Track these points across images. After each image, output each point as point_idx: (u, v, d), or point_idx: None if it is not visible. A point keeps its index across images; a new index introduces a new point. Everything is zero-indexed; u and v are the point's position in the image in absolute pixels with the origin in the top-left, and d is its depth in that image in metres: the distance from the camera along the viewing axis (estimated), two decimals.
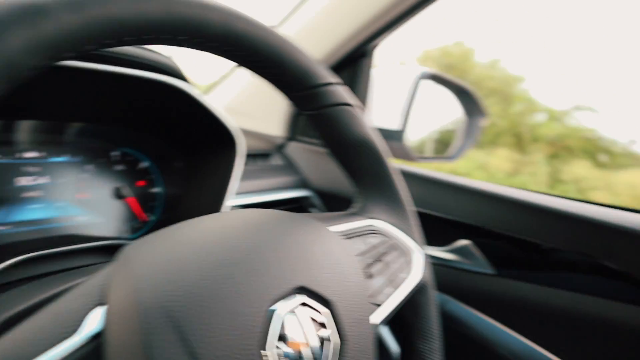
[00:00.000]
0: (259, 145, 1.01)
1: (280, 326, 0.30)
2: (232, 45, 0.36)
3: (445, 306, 0.89)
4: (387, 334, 0.93)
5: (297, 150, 1.05)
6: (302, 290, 0.33)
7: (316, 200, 1.01)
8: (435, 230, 0.94)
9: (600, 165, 7.20)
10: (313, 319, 0.32)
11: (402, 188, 0.50)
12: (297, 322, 0.31)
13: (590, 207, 0.82)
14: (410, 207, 0.50)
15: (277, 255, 0.33)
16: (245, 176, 0.87)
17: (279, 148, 1.06)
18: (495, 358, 0.81)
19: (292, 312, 0.31)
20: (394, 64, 1.01)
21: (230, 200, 0.69)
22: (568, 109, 7.62)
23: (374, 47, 0.96)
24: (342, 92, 0.44)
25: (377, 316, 0.39)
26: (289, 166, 1.02)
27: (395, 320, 0.50)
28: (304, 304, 0.32)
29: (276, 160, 1.01)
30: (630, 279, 0.74)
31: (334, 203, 1.00)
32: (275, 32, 0.38)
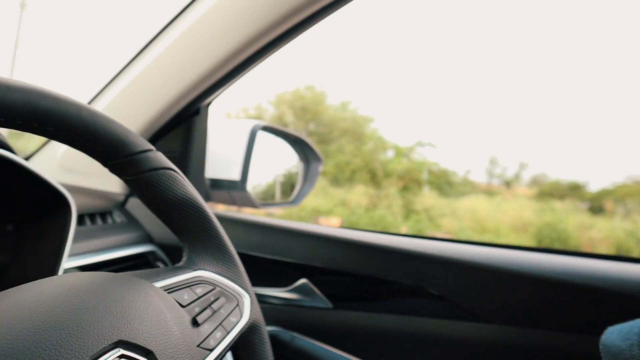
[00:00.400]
0: (98, 203, 0.98)
1: None
2: (39, 122, 0.36)
3: (293, 342, 0.94)
4: None
5: (138, 206, 1.04)
6: (121, 343, 0.34)
7: (161, 254, 1.01)
8: (277, 272, 0.99)
9: (444, 194, 8.01)
10: None
11: (227, 239, 0.53)
12: None
13: (404, 239, 0.95)
14: (236, 255, 0.55)
15: (94, 314, 0.34)
16: (84, 236, 0.84)
17: (120, 205, 1.05)
18: None
19: None
20: (229, 118, 1.06)
21: (67, 262, 0.67)
22: (412, 145, 8.42)
23: (208, 104, 1.01)
24: (159, 158, 0.46)
25: None
26: (131, 222, 1.01)
27: None
28: (123, 356, 0.33)
29: (117, 217, 0.99)
30: (443, 298, 0.86)
31: (178, 255, 1.00)
32: (84, 106, 0.40)
